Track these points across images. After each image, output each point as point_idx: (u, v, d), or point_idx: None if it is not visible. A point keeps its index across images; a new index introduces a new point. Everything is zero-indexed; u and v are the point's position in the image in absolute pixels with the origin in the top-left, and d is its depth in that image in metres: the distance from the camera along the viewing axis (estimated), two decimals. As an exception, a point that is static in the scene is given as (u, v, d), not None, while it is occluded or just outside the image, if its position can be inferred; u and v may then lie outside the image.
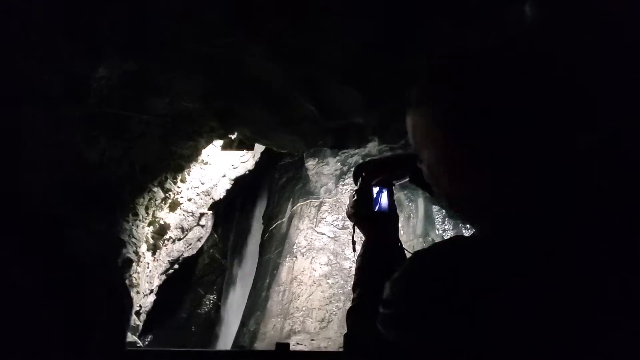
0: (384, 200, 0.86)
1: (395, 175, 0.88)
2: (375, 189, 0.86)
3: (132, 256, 2.32)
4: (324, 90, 2.15)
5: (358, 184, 0.89)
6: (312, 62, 1.93)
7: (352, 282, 0.80)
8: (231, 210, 6.63)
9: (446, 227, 4.16)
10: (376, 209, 0.85)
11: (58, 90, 1.50)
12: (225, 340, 5.87)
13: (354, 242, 0.93)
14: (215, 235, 6.32)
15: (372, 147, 5.11)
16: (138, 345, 2.51)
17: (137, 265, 2.67)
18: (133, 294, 2.46)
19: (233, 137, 3.30)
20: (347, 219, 0.94)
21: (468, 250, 0.49)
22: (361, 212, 0.85)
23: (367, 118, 2.40)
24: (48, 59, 1.35)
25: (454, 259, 0.48)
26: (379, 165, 0.92)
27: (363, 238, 0.86)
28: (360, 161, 5.29)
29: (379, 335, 0.52)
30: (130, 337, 2.45)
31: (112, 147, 2.08)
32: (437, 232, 4.21)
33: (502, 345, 0.43)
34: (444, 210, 4.12)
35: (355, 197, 0.86)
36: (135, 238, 2.44)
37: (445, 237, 4.01)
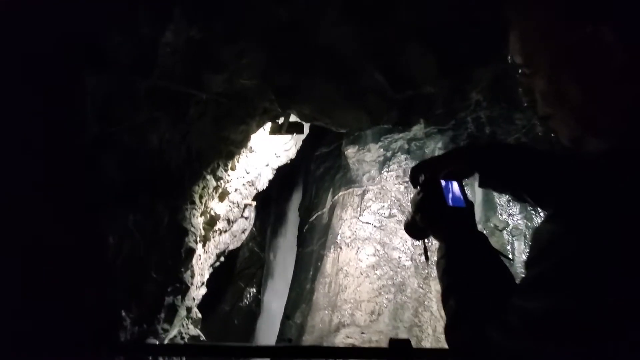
0: (456, 191, 0.73)
1: (459, 170, 0.77)
2: (443, 183, 0.74)
3: (194, 245, 2.21)
4: (397, 56, 1.93)
5: (421, 180, 0.76)
6: (388, 24, 1.71)
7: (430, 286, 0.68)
8: (267, 203, 6.56)
9: (511, 211, 3.83)
10: (451, 203, 0.71)
11: (125, 56, 1.36)
12: (268, 333, 5.83)
13: (426, 250, 0.80)
14: (254, 229, 6.26)
15: (418, 130, 4.83)
16: (202, 339, 2.42)
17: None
18: (191, 285, 2.36)
19: (281, 121, 3.13)
20: (407, 230, 0.80)
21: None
22: (434, 208, 0.72)
23: (439, 87, 2.16)
24: (118, 18, 1.21)
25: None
26: (439, 160, 0.81)
27: (430, 242, 0.76)
28: (406, 146, 5.04)
29: (507, 323, 0.45)
30: (194, 331, 2.35)
31: (172, 131, 1.95)
32: (500, 217, 3.90)
33: None
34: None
35: (422, 195, 0.74)
36: (194, 227, 2.32)
37: (512, 223, 3.66)
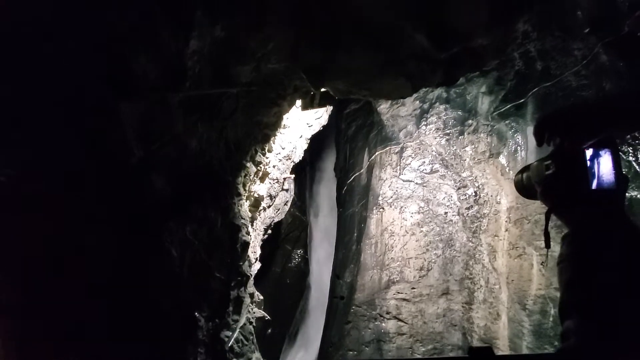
0: (605, 168, 0.53)
1: (623, 128, 0.60)
2: (589, 152, 0.53)
3: (247, 238, 2.26)
4: (441, 8, 1.66)
5: (552, 144, 0.55)
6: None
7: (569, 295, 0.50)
8: (301, 167, 6.58)
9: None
10: (595, 186, 0.52)
11: (155, 77, 1.28)
12: (318, 289, 6.18)
13: (547, 234, 0.63)
14: (293, 194, 6.36)
15: (457, 76, 4.42)
16: (267, 318, 2.57)
17: (244, 240, 2.61)
18: (250, 275, 2.45)
19: (311, 93, 2.96)
20: (518, 188, 0.63)
21: None
22: (568, 192, 0.53)
23: (491, 37, 1.87)
24: (145, 41, 1.11)
25: None
26: (588, 117, 0.55)
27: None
28: (444, 94, 4.64)
29: None
30: (259, 312, 2.50)
31: (209, 130, 1.89)
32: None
33: None
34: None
35: (553, 170, 0.54)
36: (244, 218, 2.36)
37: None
